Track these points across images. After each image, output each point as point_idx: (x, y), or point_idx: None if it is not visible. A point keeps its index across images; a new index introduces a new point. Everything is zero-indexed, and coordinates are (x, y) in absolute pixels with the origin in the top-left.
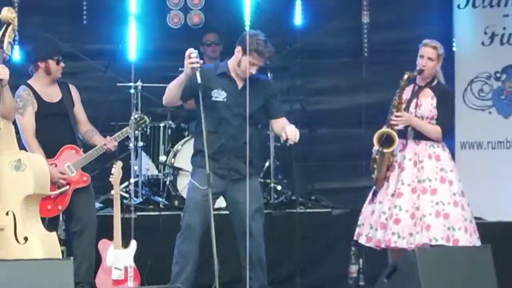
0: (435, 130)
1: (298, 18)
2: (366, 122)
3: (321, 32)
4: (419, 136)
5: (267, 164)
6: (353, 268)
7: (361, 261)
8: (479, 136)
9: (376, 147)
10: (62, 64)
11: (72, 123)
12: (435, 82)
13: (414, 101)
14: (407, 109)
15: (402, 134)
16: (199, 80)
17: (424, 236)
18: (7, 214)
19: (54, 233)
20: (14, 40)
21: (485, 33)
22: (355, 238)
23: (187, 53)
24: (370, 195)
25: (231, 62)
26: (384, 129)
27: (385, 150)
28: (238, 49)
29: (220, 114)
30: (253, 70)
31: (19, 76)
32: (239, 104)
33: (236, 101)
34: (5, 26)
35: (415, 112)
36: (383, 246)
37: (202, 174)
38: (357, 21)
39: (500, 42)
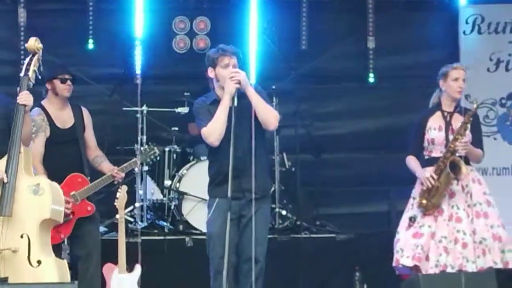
0: (480, 153)
1: (304, 43)
2: (371, 147)
3: (327, 57)
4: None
5: (272, 189)
6: None
7: (365, 286)
8: (484, 162)
9: (447, 171)
10: (68, 83)
11: (82, 149)
12: (459, 107)
13: (449, 128)
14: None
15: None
16: (235, 103)
17: (489, 259)
18: (21, 236)
19: (65, 261)
20: (39, 69)
21: (491, 60)
22: (394, 265)
23: (227, 74)
24: (407, 221)
25: (216, 88)
26: (455, 156)
27: (457, 176)
28: (209, 70)
29: (224, 139)
30: (232, 68)
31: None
32: (238, 124)
33: (237, 121)
34: (31, 55)
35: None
36: (453, 270)
37: (218, 203)
38: (363, 46)
39: (505, 68)
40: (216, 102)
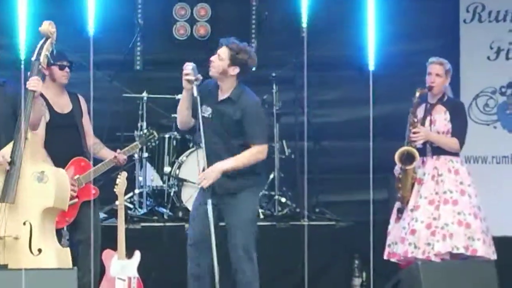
0: (452, 142)
1: (304, 30)
2: (371, 135)
3: (327, 44)
4: (438, 151)
5: (271, 176)
6: (357, 281)
7: (364, 274)
8: (483, 151)
9: (398, 165)
10: (66, 69)
11: (81, 135)
12: (445, 98)
13: (428, 118)
14: (422, 126)
15: (422, 151)
16: (195, 94)
17: (447, 244)
18: (24, 223)
19: (68, 249)
20: (51, 54)
21: (491, 48)
22: (386, 257)
23: (184, 67)
24: (395, 213)
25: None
26: (404, 147)
27: (407, 168)
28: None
29: (205, 131)
30: (215, 60)
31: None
32: (218, 118)
33: (216, 116)
34: (44, 39)
35: (430, 129)
36: (402, 258)
37: (199, 190)
38: (363, 33)
39: (505, 56)
40: (215, 86)
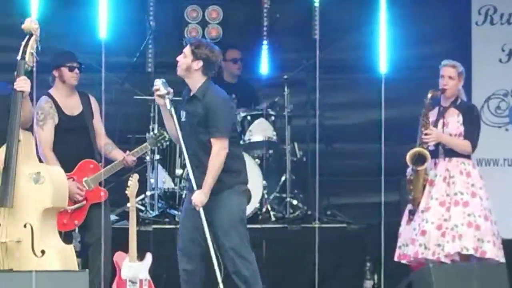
0: (464, 144)
1: (316, 33)
2: (383, 138)
3: (339, 47)
4: (451, 153)
5: (283, 178)
6: (368, 284)
7: (375, 276)
8: (495, 153)
9: (410, 166)
10: (76, 71)
11: (92, 136)
12: (458, 101)
13: (441, 121)
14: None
15: (434, 153)
16: (168, 106)
17: (456, 245)
18: (24, 226)
19: (71, 246)
20: (36, 51)
21: (503, 50)
22: (396, 259)
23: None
24: (406, 215)
25: None
26: (416, 148)
27: (418, 169)
28: None
29: (184, 135)
30: (180, 59)
31: (39, 87)
32: (189, 118)
33: (187, 116)
34: (27, 36)
35: (443, 131)
36: (412, 259)
37: (186, 196)
38: (375, 36)
39: None
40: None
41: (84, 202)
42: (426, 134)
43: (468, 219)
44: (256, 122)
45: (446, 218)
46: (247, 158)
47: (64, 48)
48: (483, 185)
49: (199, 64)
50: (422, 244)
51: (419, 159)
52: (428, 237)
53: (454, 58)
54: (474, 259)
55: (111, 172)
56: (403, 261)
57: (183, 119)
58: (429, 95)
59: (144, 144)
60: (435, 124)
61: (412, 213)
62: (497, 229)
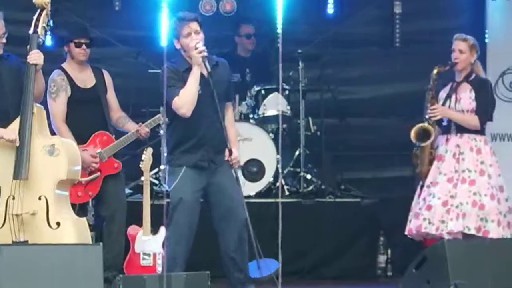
0: (470, 119)
1: (330, 7)
2: (397, 112)
3: (353, 22)
4: (462, 129)
5: (297, 153)
6: (381, 258)
7: (389, 251)
8: (510, 128)
9: (414, 142)
10: (83, 47)
11: (105, 109)
12: (472, 76)
13: (453, 96)
14: (445, 104)
15: (446, 128)
16: (209, 69)
17: (459, 224)
18: (39, 198)
19: (84, 218)
20: (48, 25)
21: None
22: (406, 233)
23: (192, 44)
24: (418, 189)
25: (185, 56)
26: (420, 124)
27: (423, 144)
28: (174, 41)
29: (197, 107)
30: (200, 38)
31: (52, 61)
32: (211, 93)
33: (208, 91)
34: (39, 11)
35: (455, 107)
36: (414, 232)
37: (185, 172)
38: (389, 11)
39: None
40: (190, 70)
41: (98, 173)
42: (431, 110)
43: (474, 198)
44: (270, 96)
45: (452, 195)
46: (261, 132)
47: (77, 21)
48: (494, 161)
49: None
50: (427, 219)
51: (424, 134)
52: (434, 212)
53: (468, 33)
54: (478, 238)
55: (125, 143)
56: (409, 235)
57: (200, 92)
58: (435, 71)
59: (157, 116)
60: (448, 99)
61: (422, 187)
62: (509, 206)
